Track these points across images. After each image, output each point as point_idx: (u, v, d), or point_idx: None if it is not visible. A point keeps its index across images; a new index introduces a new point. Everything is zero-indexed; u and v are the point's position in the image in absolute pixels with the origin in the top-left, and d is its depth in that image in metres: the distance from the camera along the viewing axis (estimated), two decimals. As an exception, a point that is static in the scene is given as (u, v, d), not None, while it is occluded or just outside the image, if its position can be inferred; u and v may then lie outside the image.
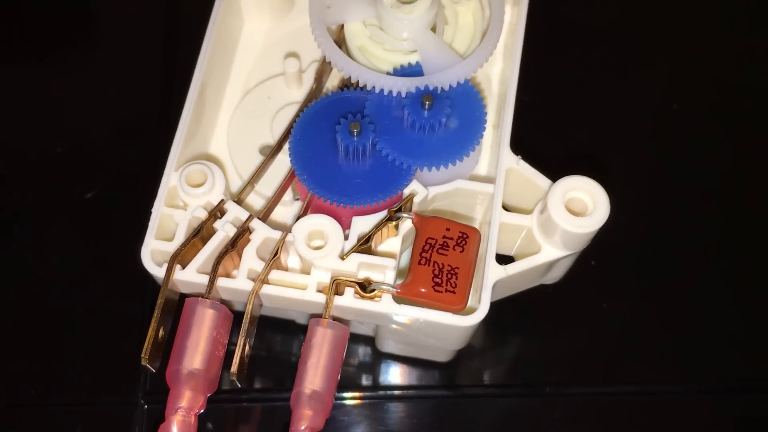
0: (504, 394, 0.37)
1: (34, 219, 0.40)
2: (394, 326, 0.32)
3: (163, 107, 0.42)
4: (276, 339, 0.38)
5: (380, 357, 0.38)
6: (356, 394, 0.37)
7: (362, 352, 0.38)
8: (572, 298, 0.39)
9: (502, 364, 0.38)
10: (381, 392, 0.37)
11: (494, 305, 0.31)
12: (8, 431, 0.36)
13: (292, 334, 0.38)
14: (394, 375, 0.38)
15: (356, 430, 0.36)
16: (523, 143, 0.34)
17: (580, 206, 0.31)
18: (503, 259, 0.32)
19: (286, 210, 0.34)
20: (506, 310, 0.35)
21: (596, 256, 0.38)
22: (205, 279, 0.30)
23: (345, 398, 0.37)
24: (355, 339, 0.38)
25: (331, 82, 0.36)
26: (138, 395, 0.36)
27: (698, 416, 0.37)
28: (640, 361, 0.38)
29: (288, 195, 0.34)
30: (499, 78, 0.37)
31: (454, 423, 0.37)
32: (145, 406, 0.36)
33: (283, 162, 0.34)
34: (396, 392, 0.37)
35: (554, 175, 0.33)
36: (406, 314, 0.30)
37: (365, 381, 0.38)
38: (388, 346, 0.37)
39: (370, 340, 0.38)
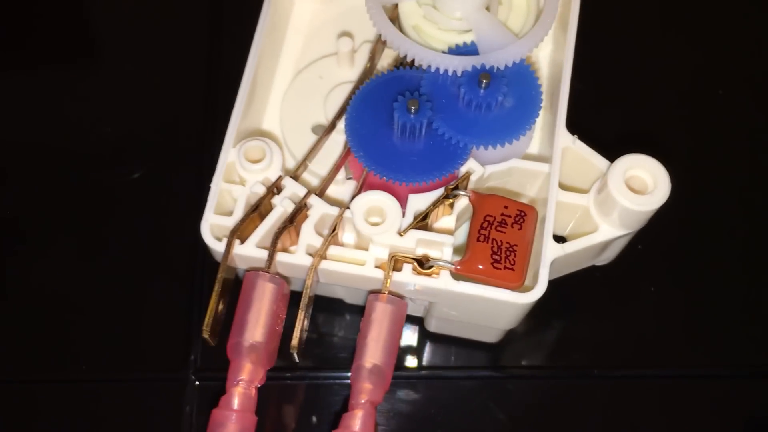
0: (551, 376, 0.37)
1: (86, 199, 0.41)
2: (448, 304, 0.32)
3: (209, 92, 0.43)
4: (320, 319, 0.38)
5: (426, 337, 0.38)
6: (403, 373, 0.37)
7: (409, 332, 0.38)
8: (619, 282, 0.39)
9: (547, 347, 0.38)
10: (428, 372, 0.38)
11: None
12: (61, 406, 0.36)
13: (336, 313, 0.38)
14: (441, 355, 0.38)
15: (404, 408, 0.36)
16: (575, 123, 0.34)
17: (640, 184, 0.31)
18: (556, 240, 0.32)
19: (339, 189, 0.35)
20: (553, 294, 0.35)
21: (644, 240, 0.38)
22: (263, 254, 0.31)
23: (393, 377, 0.37)
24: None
25: (383, 63, 0.37)
26: (189, 372, 0.37)
27: (747, 400, 0.37)
28: (687, 345, 0.38)
29: (341, 174, 0.34)
30: (549, 60, 0.37)
31: (501, 404, 0.37)
32: (196, 383, 0.36)
33: (336, 141, 0.35)
34: (442, 372, 0.38)
35: (607, 154, 0.33)
36: (465, 290, 0.30)
37: (412, 360, 0.38)
38: (436, 325, 0.37)
39: (417, 321, 0.38)
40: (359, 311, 0.35)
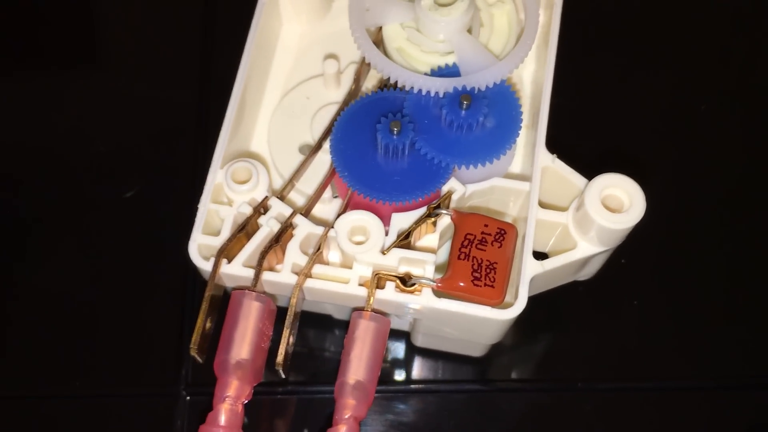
0: (536, 389, 0.38)
1: (78, 216, 0.41)
2: (432, 319, 0.33)
3: (201, 109, 0.44)
4: (311, 334, 0.39)
5: (414, 351, 0.39)
6: (390, 387, 0.38)
7: (397, 346, 0.39)
8: (603, 295, 0.39)
9: (533, 360, 0.39)
10: (414, 386, 0.38)
11: (527, 301, 0.31)
12: (53, 422, 0.37)
13: (327, 329, 0.39)
14: (428, 369, 0.39)
15: (392, 421, 0.37)
16: (555, 143, 0.34)
17: (617, 203, 0.32)
18: (537, 257, 0.33)
19: (325, 207, 0.35)
20: (538, 307, 0.36)
21: (626, 255, 0.39)
22: (250, 273, 0.31)
23: (379, 391, 0.38)
24: (390, 334, 0.38)
25: (368, 84, 0.37)
26: (180, 387, 0.37)
27: (730, 412, 0.38)
28: (671, 357, 0.39)
29: (327, 193, 0.35)
30: (531, 79, 0.38)
31: (486, 417, 0.37)
32: (188, 398, 0.37)
33: (322, 161, 0.35)
34: (429, 386, 0.38)
35: (586, 173, 0.33)
36: (446, 308, 0.31)
37: (399, 374, 0.38)
38: (422, 340, 0.38)
39: (404, 335, 0.39)
40: (348, 326, 0.36)
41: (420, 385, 0.38)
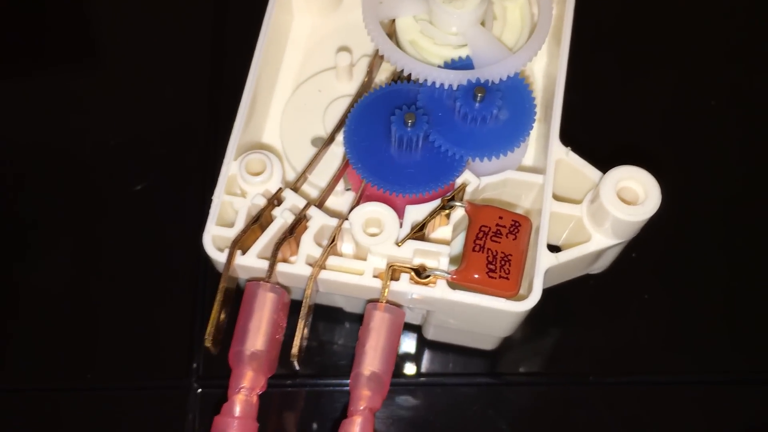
0: (547, 383, 0.38)
1: (89, 209, 0.41)
2: (445, 313, 0.33)
3: (212, 102, 0.44)
4: (320, 327, 0.39)
5: (424, 345, 0.39)
6: (401, 380, 0.38)
7: (407, 340, 0.39)
8: (614, 289, 0.39)
9: (544, 354, 0.39)
10: (426, 379, 0.38)
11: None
12: (65, 415, 0.37)
13: (337, 322, 0.39)
14: (438, 362, 0.39)
15: (403, 414, 0.37)
16: (569, 135, 0.34)
17: (632, 195, 0.32)
18: (550, 250, 0.33)
19: (338, 200, 0.35)
20: (549, 301, 0.36)
21: (637, 249, 0.39)
22: (264, 264, 0.31)
23: (391, 384, 0.38)
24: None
25: (380, 76, 0.37)
26: (191, 379, 0.37)
27: (740, 406, 0.38)
28: (681, 352, 0.39)
29: (340, 185, 0.35)
30: (543, 73, 0.38)
31: (496, 410, 0.37)
32: (199, 390, 0.37)
33: (334, 153, 0.35)
34: (440, 379, 0.38)
35: (600, 166, 0.33)
36: (461, 299, 0.31)
37: (410, 368, 0.38)
38: (434, 333, 0.38)
39: (415, 329, 0.39)
40: (358, 320, 0.36)
41: (430, 378, 0.38)
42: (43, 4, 0.47)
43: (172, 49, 0.46)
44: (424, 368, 0.39)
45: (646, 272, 0.40)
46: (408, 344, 0.39)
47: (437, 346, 0.39)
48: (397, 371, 0.38)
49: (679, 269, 0.40)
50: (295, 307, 0.32)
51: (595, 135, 0.42)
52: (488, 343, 0.37)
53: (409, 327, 0.39)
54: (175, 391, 0.37)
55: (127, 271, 0.40)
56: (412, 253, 0.31)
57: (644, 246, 0.39)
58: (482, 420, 0.37)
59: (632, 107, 0.44)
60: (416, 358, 0.39)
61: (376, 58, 0.37)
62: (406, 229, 0.32)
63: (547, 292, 0.35)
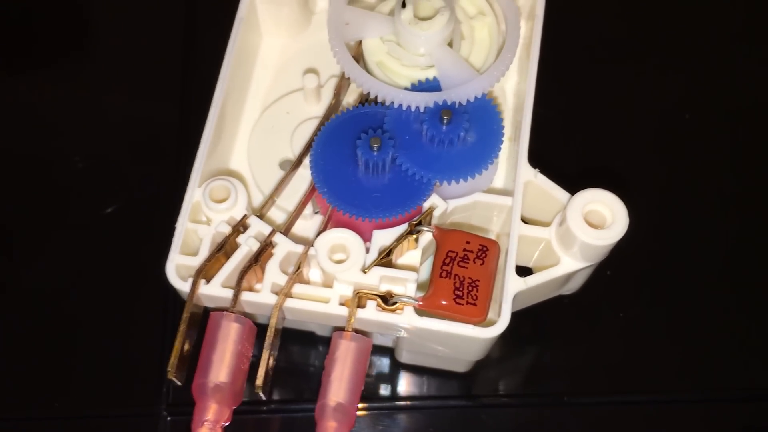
0: (522, 404, 0.38)
1: (55, 233, 0.41)
2: (414, 337, 0.32)
3: (182, 123, 0.43)
4: (295, 351, 0.39)
5: (399, 367, 0.38)
6: (375, 404, 0.38)
7: (381, 362, 0.38)
8: (588, 308, 0.39)
9: (519, 374, 0.39)
10: (400, 402, 0.38)
11: (511, 316, 0.31)
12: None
13: (310, 345, 0.39)
14: (413, 385, 0.38)
15: (376, 440, 0.37)
16: (538, 156, 0.34)
17: (599, 219, 0.31)
18: (521, 271, 0.32)
19: (306, 224, 0.35)
20: (523, 321, 0.36)
21: (612, 267, 0.39)
22: (229, 293, 0.31)
23: (364, 408, 0.37)
24: (375, 350, 0.38)
25: (349, 98, 0.37)
26: (161, 407, 0.37)
27: (717, 425, 0.37)
28: (657, 371, 0.38)
29: (308, 209, 0.35)
30: (513, 91, 0.38)
31: (473, 432, 0.37)
32: (168, 418, 0.37)
33: (303, 176, 0.35)
34: (415, 402, 0.38)
35: (570, 187, 0.33)
36: (428, 326, 0.30)
37: (384, 391, 0.38)
38: (407, 356, 0.37)
39: (389, 351, 0.38)
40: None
41: (405, 402, 0.38)
42: (17, 19, 0.47)
43: (141, 70, 0.45)
44: (399, 391, 0.38)
45: (620, 290, 0.40)
46: (381, 367, 0.38)
47: (411, 369, 0.38)
48: (371, 394, 0.38)
49: (654, 287, 0.40)
50: (262, 331, 0.32)
51: (566, 155, 0.41)
52: (461, 366, 0.37)
53: (382, 349, 0.38)
54: (145, 419, 0.37)
55: (96, 296, 0.39)
56: (379, 279, 0.31)
57: (619, 264, 0.38)
58: (458, 443, 0.37)
59: (604, 126, 0.44)
60: (390, 381, 0.38)
61: (344, 80, 0.36)
62: (374, 255, 0.32)
63: (522, 312, 0.35)
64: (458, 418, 0.38)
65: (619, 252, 0.33)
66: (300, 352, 0.39)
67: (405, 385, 0.38)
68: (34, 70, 0.46)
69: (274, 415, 0.37)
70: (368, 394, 0.38)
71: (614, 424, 0.38)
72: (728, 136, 0.44)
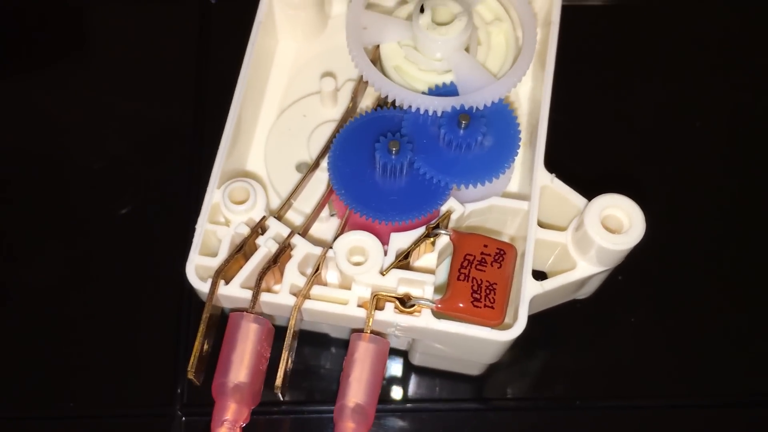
0: (533, 408, 0.38)
1: (71, 234, 0.41)
2: (430, 340, 0.33)
3: (197, 125, 0.43)
4: (306, 352, 0.39)
5: (411, 370, 0.39)
6: (388, 405, 0.38)
7: (394, 365, 0.39)
8: (600, 312, 0.39)
9: (530, 378, 0.39)
10: (413, 404, 0.38)
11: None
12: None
13: (322, 346, 0.39)
14: (425, 388, 0.38)
15: (389, 442, 0.37)
16: (554, 161, 0.34)
17: (616, 223, 0.32)
18: (535, 275, 0.33)
19: (323, 226, 0.35)
20: (536, 325, 0.36)
21: (624, 272, 0.39)
22: (248, 294, 0.31)
23: (377, 410, 0.37)
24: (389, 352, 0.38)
25: (365, 102, 0.37)
26: (176, 407, 0.37)
27: (728, 430, 0.38)
28: (668, 375, 0.39)
29: (325, 211, 0.35)
30: (529, 96, 0.38)
31: (485, 436, 0.37)
32: (183, 419, 0.37)
33: (320, 179, 0.35)
34: (426, 404, 0.38)
35: (585, 192, 0.33)
36: (445, 329, 0.31)
37: (398, 393, 0.38)
38: (420, 359, 0.37)
39: (401, 354, 0.38)
40: (345, 345, 0.36)
41: (417, 404, 0.38)
42: (27, 22, 0.47)
43: (156, 73, 0.45)
44: (411, 393, 0.38)
45: (632, 295, 0.40)
46: (395, 369, 0.39)
47: (424, 371, 0.38)
48: (384, 396, 0.38)
49: (666, 292, 0.40)
50: (280, 333, 0.32)
51: (581, 160, 0.42)
52: (474, 369, 0.37)
53: (395, 351, 0.38)
54: (159, 419, 0.37)
55: (111, 297, 0.39)
56: (397, 282, 0.31)
57: (630, 269, 0.38)
58: (469, 445, 0.37)
59: (619, 132, 0.44)
60: (403, 383, 0.39)
61: (361, 84, 0.37)
62: (391, 257, 0.32)
63: (534, 316, 0.35)
64: (469, 420, 0.38)
65: (631, 257, 0.34)
66: (311, 354, 0.39)
67: (417, 387, 0.38)
68: (50, 72, 0.46)
69: (286, 416, 0.38)
70: (381, 395, 0.38)
71: (625, 428, 0.38)
72: (742, 144, 0.44)
